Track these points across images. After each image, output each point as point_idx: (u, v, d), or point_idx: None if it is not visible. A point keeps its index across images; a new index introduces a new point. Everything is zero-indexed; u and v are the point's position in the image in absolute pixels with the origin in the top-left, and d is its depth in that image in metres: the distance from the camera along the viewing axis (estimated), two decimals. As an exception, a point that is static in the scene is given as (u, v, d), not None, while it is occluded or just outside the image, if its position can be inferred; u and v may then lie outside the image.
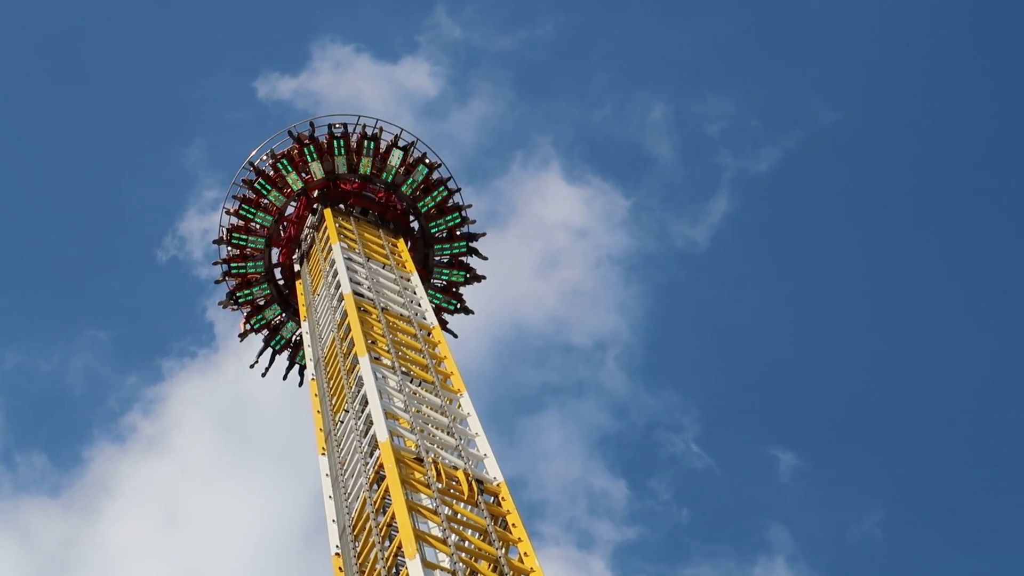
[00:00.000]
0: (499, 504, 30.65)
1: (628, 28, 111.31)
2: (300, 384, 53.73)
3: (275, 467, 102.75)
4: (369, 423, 33.46)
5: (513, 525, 29.61)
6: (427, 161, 53.07)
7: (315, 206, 51.43)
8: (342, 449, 34.73)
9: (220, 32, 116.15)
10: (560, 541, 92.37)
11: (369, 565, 29.08)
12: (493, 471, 31.95)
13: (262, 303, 53.37)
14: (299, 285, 50.06)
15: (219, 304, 53.95)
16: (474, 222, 53.99)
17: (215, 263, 53.24)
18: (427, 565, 26.87)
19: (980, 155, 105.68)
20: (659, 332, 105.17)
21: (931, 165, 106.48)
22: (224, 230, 52.63)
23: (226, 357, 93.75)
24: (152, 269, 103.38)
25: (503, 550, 28.44)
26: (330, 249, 46.39)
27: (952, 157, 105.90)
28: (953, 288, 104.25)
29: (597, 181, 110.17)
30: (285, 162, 52.27)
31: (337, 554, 31.34)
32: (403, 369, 36.75)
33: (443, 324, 51.72)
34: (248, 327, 53.65)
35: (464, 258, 54.19)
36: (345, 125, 52.52)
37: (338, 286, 42.89)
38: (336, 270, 44.02)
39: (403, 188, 52.60)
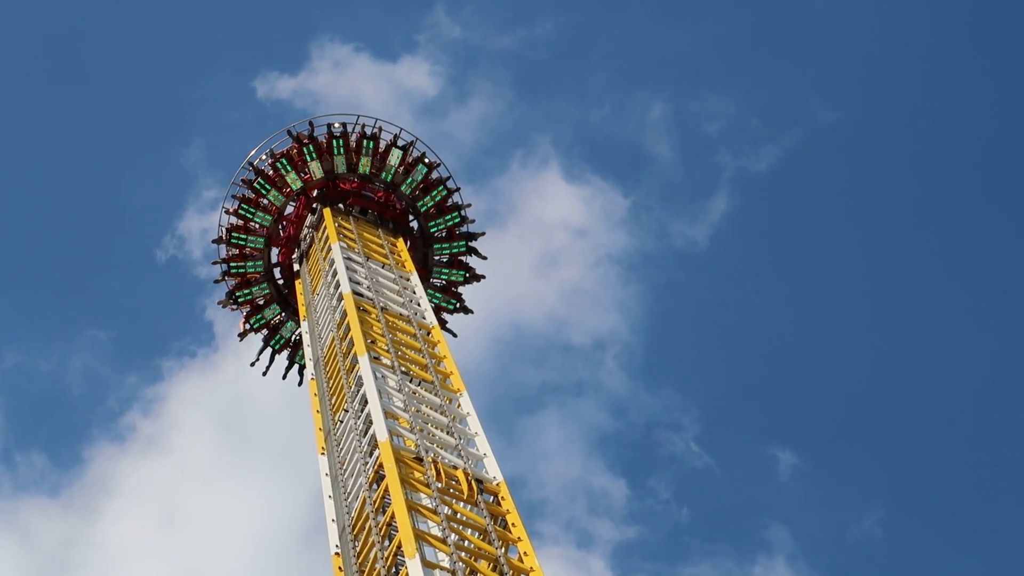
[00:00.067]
0: (499, 503, 30.65)
1: (627, 28, 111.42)
2: (300, 384, 53.69)
3: (275, 467, 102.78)
4: (369, 422, 33.45)
5: (513, 524, 29.60)
6: (426, 160, 53.03)
7: (314, 206, 51.40)
8: (342, 449, 34.71)
9: (219, 32, 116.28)
10: (560, 540, 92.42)
11: (369, 565, 29.07)
12: (493, 470, 31.94)
13: (261, 303, 53.34)
14: (298, 285, 50.03)
15: (218, 304, 53.99)
16: (473, 221, 54.02)
17: (214, 263, 53.28)
18: (427, 564, 26.87)
19: (979, 155, 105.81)
20: (659, 331, 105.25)
21: (930, 164, 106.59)
22: (223, 230, 52.61)
23: (225, 357, 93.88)
24: (151, 269, 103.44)
25: (503, 549, 28.44)
26: (329, 249, 46.36)
27: (951, 156, 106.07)
28: (953, 288, 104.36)
29: (596, 180, 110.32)
30: (284, 162, 52.24)
31: (337, 554, 31.33)
32: (402, 368, 36.73)
33: (442, 323, 51.71)
34: (247, 327, 53.61)
35: (463, 257, 54.14)
36: (344, 125, 52.49)
37: (337, 286, 42.87)
38: (335, 270, 43.99)
39: (402, 187, 52.56)
